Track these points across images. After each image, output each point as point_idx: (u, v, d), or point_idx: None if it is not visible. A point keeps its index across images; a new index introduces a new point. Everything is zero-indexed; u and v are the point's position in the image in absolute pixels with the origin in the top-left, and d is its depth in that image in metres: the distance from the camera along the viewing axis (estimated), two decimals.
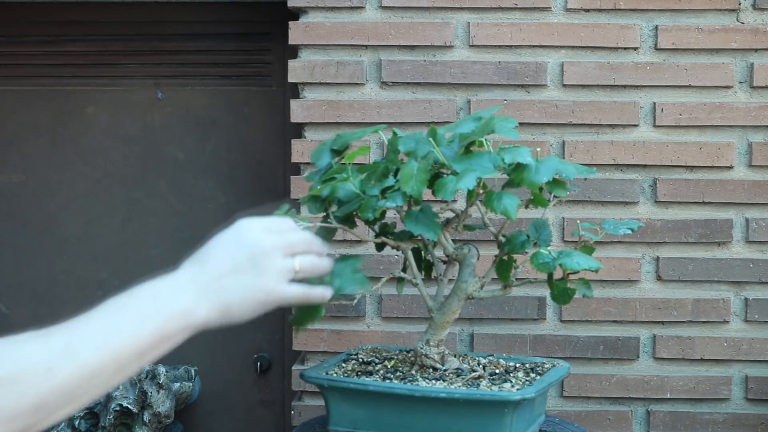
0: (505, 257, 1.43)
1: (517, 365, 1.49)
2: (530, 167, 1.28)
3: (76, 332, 0.92)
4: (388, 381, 1.36)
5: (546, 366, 1.48)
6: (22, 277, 2.24)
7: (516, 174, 1.29)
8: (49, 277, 2.24)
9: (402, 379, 1.38)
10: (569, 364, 1.51)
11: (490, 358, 1.53)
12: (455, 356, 1.46)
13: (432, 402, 1.29)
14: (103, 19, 2.21)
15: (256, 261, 1.05)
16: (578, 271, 1.37)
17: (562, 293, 1.40)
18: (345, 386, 1.34)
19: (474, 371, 1.40)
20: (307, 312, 1.21)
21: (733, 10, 1.91)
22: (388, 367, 1.44)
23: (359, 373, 1.41)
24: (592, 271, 1.35)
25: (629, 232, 1.41)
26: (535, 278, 1.45)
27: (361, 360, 1.50)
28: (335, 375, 1.39)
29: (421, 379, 1.37)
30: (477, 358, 1.50)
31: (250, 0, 2.12)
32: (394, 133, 1.39)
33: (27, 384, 0.88)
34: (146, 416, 2.02)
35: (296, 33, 1.93)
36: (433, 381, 1.36)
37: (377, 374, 1.40)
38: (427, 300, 1.42)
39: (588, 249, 1.41)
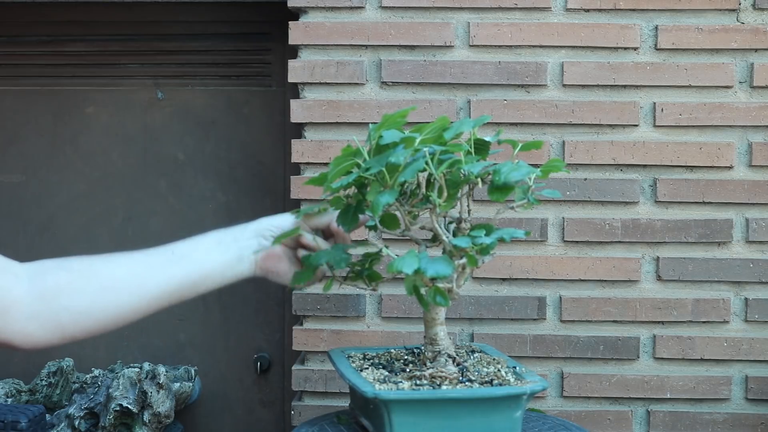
0: None
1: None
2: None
3: None
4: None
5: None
6: None
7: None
8: None
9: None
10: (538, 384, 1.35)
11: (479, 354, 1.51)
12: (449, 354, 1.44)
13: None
14: (103, 19, 2.21)
15: None
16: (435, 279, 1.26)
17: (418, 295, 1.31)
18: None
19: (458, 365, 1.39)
20: (303, 273, 1.37)
21: (733, 10, 1.91)
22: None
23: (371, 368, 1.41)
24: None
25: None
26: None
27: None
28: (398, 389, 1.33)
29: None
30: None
31: (250, 0, 2.12)
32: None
33: None
34: (146, 416, 2.02)
35: (296, 33, 1.93)
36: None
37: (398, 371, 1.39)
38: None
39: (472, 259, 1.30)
